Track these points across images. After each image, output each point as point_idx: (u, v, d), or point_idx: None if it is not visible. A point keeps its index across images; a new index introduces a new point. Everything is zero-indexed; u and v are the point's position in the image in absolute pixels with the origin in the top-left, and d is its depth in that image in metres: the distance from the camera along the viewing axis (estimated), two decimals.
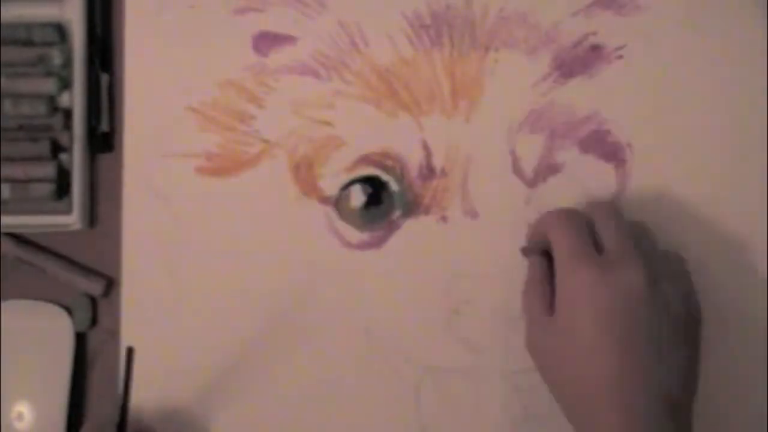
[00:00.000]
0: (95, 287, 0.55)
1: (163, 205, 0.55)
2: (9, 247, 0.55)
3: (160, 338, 0.54)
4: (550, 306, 0.50)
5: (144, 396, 0.54)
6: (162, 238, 0.55)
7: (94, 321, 0.55)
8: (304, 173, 0.55)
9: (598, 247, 0.49)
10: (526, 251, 0.53)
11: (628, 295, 0.47)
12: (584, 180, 0.55)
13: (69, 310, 0.55)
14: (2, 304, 0.55)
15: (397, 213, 0.55)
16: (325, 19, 0.55)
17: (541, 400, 0.53)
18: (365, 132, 0.55)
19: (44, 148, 0.54)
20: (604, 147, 0.55)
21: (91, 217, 0.56)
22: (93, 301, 0.55)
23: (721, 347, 0.54)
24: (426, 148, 0.55)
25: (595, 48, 0.55)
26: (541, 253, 0.52)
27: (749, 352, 0.55)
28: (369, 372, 0.54)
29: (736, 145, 0.55)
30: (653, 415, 0.46)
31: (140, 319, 0.55)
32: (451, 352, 0.54)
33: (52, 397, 0.54)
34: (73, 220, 0.54)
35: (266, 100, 0.55)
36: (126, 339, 0.54)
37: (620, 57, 0.55)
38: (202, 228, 0.55)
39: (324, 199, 0.55)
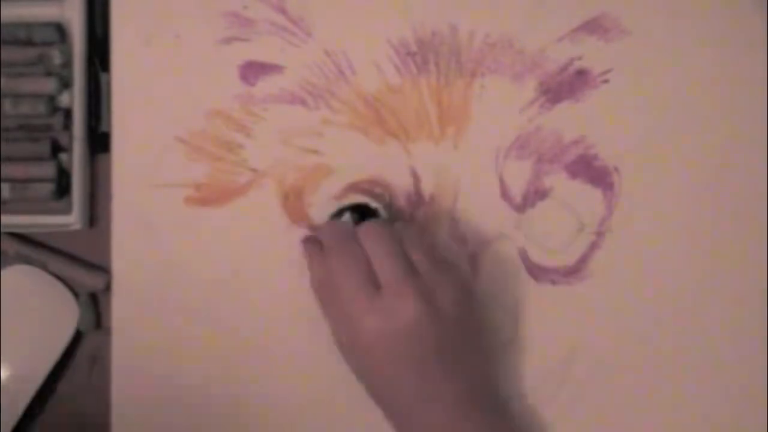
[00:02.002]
0: (97, 282, 0.55)
1: (152, 236, 0.55)
2: (9, 244, 0.55)
3: (151, 372, 0.54)
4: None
5: None
6: (151, 268, 0.55)
7: (98, 323, 0.56)
8: (293, 202, 0.55)
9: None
10: (305, 250, 0.53)
11: (408, 330, 0.48)
12: (572, 204, 0.55)
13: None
14: (11, 268, 0.55)
15: None
16: (312, 48, 0.55)
17: (532, 424, 0.53)
18: (354, 160, 0.55)
19: (44, 148, 0.55)
20: (591, 171, 0.55)
21: (91, 217, 0.56)
22: (95, 302, 0.56)
23: (721, 348, 0.54)
24: (414, 174, 0.55)
25: (581, 73, 0.55)
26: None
27: (749, 354, 0.55)
28: (359, 399, 0.54)
29: (726, 167, 0.55)
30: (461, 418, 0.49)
31: (131, 350, 0.54)
32: None
33: (35, 363, 0.55)
34: (72, 220, 0.55)
35: (254, 130, 0.55)
36: (117, 374, 0.54)
37: (606, 81, 0.55)
38: (191, 258, 0.55)
39: (313, 228, 0.55)
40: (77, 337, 0.55)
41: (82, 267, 0.55)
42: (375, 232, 0.51)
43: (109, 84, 0.55)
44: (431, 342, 0.49)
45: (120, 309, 0.55)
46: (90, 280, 0.55)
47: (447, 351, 0.49)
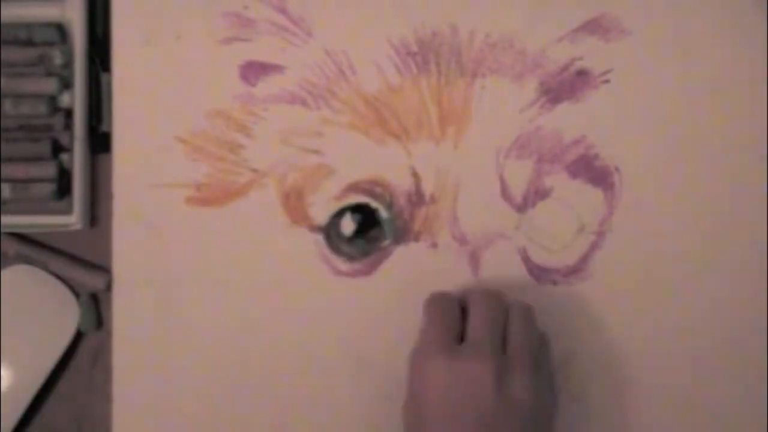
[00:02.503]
0: (98, 282, 0.55)
1: (152, 236, 0.55)
2: (10, 244, 0.55)
3: (151, 372, 0.54)
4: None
5: None
6: (152, 268, 0.55)
7: (99, 323, 0.56)
8: (294, 202, 0.55)
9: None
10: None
11: (471, 385, 0.48)
12: (573, 204, 0.55)
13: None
14: (12, 268, 0.55)
15: (387, 240, 0.55)
16: (312, 48, 0.55)
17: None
18: (354, 160, 0.55)
19: (45, 148, 0.55)
20: (592, 171, 0.55)
21: (92, 217, 0.56)
22: (96, 302, 0.56)
23: (721, 348, 0.55)
24: (415, 174, 0.55)
25: (582, 73, 0.55)
26: None
27: (750, 354, 0.55)
28: (360, 400, 0.54)
29: (726, 167, 0.55)
30: None
31: (131, 351, 0.54)
32: None
33: (35, 363, 0.55)
34: (73, 220, 0.55)
35: (255, 130, 0.55)
36: (118, 373, 0.54)
37: (607, 81, 0.55)
38: (192, 258, 0.55)
39: (314, 228, 0.55)
40: (78, 337, 0.55)
41: (83, 267, 0.55)
42: (484, 298, 0.51)
43: (109, 84, 0.55)
44: (488, 411, 0.48)
45: (120, 309, 0.55)
46: (90, 280, 0.55)
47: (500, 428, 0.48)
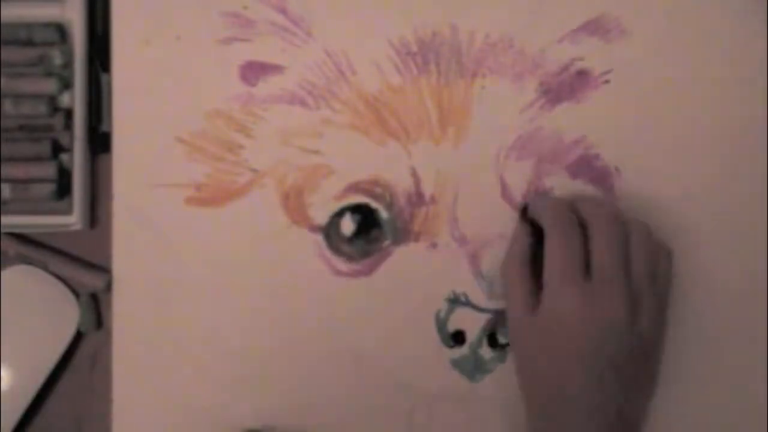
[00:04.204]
0: (98, 282, 0.55)
1: (152, 236, 0.55)
2: (9, 244, 0.55)
3: (151, 372, 0.54)
4: (533, 301, 0.50)
5: None
6: (152, 268, 0.55)
7: (99, 323, 0.56)
8: (294, 202, 0.55)
9: (589, 257, 0.50)
10: (523, 215, 0.53)
11: (606, 325, 0.49)
12: None
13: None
14: (12, 268, 0.55)
15: (387, 240, 0.55)
16: (312, 48, 0.55)
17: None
18: (354, 160, 0.55)
19: (45, 148, 0.55)
20: (592, 171, 0.55)
21: (92, 217, 0.56)
22: (96, 302, 0.56)
23: (721, 348, 0.55)
24: (415, 175, 0.55)
25: (582, 73, 0.55)
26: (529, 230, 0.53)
27: (749, 353, 0.55)
28: (360, 400, 0.54)
29: (727, 167, 0.55)
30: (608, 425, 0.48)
31: (131, 351, 0.54)
32: (443, 380, 0.54)
33: (35, 363, 0.55)
34: (73, 220, 0.55)
35: (254, 130, 0.55)
36: (118, 373, 0.54)
37: (607, 82, 0.55)
38: (192, 258, 0.55)
39: (314, 228, 0.55)
40: (77, 337, 0.55)
41: (83, 267, 0.55)
42: (606, 220, 0.50)
43: (109, 84, 0.55)
44: (618, 353, 0.48)
45: (120, 309, 0.55)
46: (90, 280, 0.55)
47: (627, 369, 0.49)
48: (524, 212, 0.54)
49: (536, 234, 0.52)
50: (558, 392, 0.49)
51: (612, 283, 0.49)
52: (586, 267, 0.50)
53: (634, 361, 0.49)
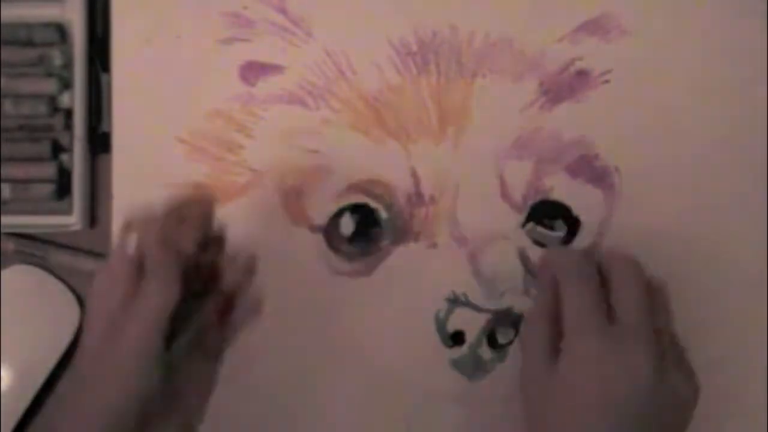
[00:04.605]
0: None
1: None
2: (8, 244, 0.55)
3: None
4: (553, 351, 0.46)
5: None
6: None
7: None
8: (293, 202, 0.55)
9: (610, 311, 0.46)
10: (539, 280, 0.50)
11: (633, 377, 0.44)
12: (573, 204, 0.55)
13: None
14: (12, 268, 0.55)
15: (386, 240, 0.55)
16: (312, 48, 0.55)
17: None
18: (354, 160, 0.55)
19: (45, 148, 0.55)
20: (592, 171, 0.55)
21: (92, 217, 0.56)
22: None
23: (721, 348, 0.55)
24: (414, 175, 0.55)
25: (582, 73, 0.55)
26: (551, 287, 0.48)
27: (749, 353, 0.55)
28: (360, 400, 0.54)
29: (727, 167, 0.55)
30: None
31: None
32: (443, 380, 0.54)
33: (35, 363, 0.55)
34: (73, 220, 0.55)
35: (254, 130, 0.55)
36: None
37: (606, 81, 0.55)
38: None
39: (313, 228, 0.55)
40: (78, 337, 0.55)
41: (83, 253, 0.55)
42: (632, 272, 0.46)
43: (109, 84, 0.55)
44: (643, 412, 0.44)
45: None
46: (93, 265, 0.55)
47: (652, 429, 0.44)
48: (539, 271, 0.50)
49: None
50: None
51: (638, 330, 0.44)
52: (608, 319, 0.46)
53: (663, 419, 0.44)
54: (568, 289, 0.46)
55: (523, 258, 0.54)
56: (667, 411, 0.45)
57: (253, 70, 0.55)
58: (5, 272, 0.55)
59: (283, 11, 0.55)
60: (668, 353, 0.45)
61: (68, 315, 0.55)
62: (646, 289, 0.46)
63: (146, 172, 0.55)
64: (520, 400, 0.48)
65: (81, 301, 0.56)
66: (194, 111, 0.55)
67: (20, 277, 0.55)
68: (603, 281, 0.46)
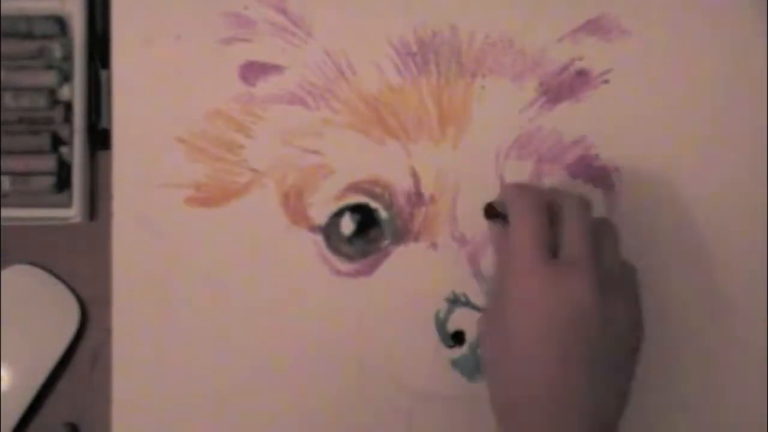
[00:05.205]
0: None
1: (152, 236, 0.55)
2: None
3: (151, 372, 0.54)
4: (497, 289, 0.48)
5: None
6: (151, 268, 0.55)
7: None
8: (294, 202, 0.55)
9: (555, 243, 0.47)
10: (488, 213, 0.51)
11: (575, 309, 0.45)
12: None
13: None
14: (12, 268, 0.55)
15: (386, 240, 0.55)
16: (312, 48, 0.55)
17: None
18: (354, 160, 0.55)
19: (45, 141, 0.55)
20: (592, 171, 0.55)
21: (92, 210, 0.56)
22: None
23: (721, 347, 0.55)
24: (414, 174, 0.55)
25: (582, 73, 0.55)
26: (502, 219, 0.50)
27: (749, 352, 0.55)
28: (360, 400, 0.54)
29: (727, 167, 0.55)
30: None
31: (131, 351, 0.54)
32: (443, 380, 0.54)
33: (35, 363, 0.55)
34: (73, 213, 0.55)
35: (254, 130, 0.55)
36: (118, 373, 0.54)
37: (606, 81, 0.55)
38: (192, 258, 0.55)
39: (313, 228, 0.55)
40: (78, 337, 0.55)
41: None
42: (578, 206, 0.48)
43: (109, 80, 0.55)
44: (588, 341, 0.45)
45: (120, 309, 0.55)
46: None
47: (599, 361, 0.45)
48: (488, 211, 0.51)
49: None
50: (525, 381, 0.45)
51: (581, 265, 0.45)
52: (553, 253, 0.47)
53: (607, 353, 0.45)
54: (514, 221, 0.47)
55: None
56: (605, 345, 0.45)
57: (253, 70, 0.55)
58: (5, 272, 0.55)
59: (283, 11, 0.55)
60: (614, 286, 0.46)
61: (68, 315, 0.55)
62: (590, 226, 0.47)
63: (146, 172, 0.55)
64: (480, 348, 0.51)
65: (81, 302, 0.56)
66: (194, 111, 0.55)
67: (20, 277, 0.55)
68: (553, 217, 0.48)
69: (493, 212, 0.51)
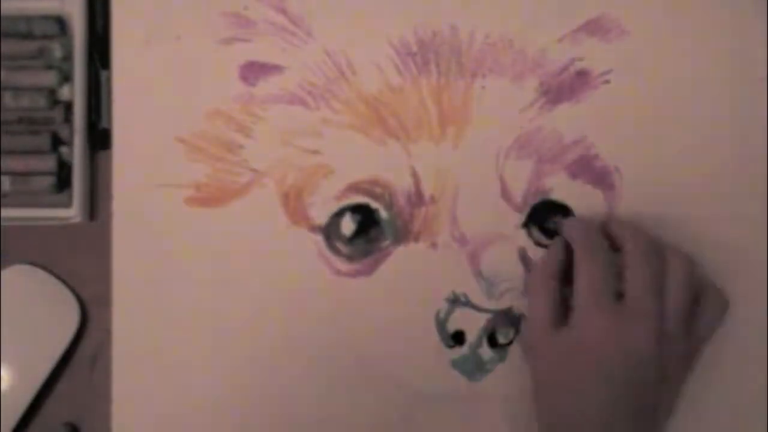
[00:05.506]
0: None
1: (152, 236, 0.55)
2: None
3: (151, 372, 0.54)
4: (558, 317, 0.50)
5: None
6: (151, 268, 0.55)
7: None
8: (294, 202, 0.55)
9: (619, 285, 0.49)
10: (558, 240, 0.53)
11: (634, 355, 0.48)
12: (573, 205, 0.55)
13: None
14: (12, 268, 0.55)
15: (386, 240, 0.55)
16: (312, 48, 0.55)
17: (537, 427, 0.53)
18: (354, 160, 0.55)
19: (44, 140, 0.55)
20: (592, 172, 0.55)
21: (92, 210, 0.56)
22: None
23: (721, 348, 0.54)
24: (414, 175, 0.55)
25: (582, 73, 0.55)
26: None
27: (749, 352, 0.55)
28: (360, 400, 0.54)
29: (727, 167, 0.55)
30: None
31: (131, 351, 0.54)
32: (443, 380, 0.54)
33: (35, 363, 0.55)
34: (73, 213, 0.55)
35: (254, 130, 0.55)
36: (118, 373, 0.54)
37: (607, 82, 0.55)
38: (192, 258, 0.55)
39: (313, 228, 0.55)
40: (78, 337, 0.55)
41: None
42: (643, 249, 0.49)
43: (108, 81, 0.55)
44: (640, 382, 0.48)
45: (120, 309, 0.55)
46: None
47: (647, 401, 0.48)
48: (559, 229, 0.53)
49: (569, 255, 0.52)
50: (574, 410, 0.48)
51: (644, 314, 0.48)
52: (619, 295, 0.49)
53: (654, 395, 0.48)
54: (581, 263, 0.50)
55: (524, 258, 0.54)
56: (658, 390, 0.48)
57: (253, 70, 0.55)
58: (5, 272, 0.55)
59: (283, 11, 0.55)
60: (674, 338, 0.48)
61: (68, 315, 0.55)
62: (656, 270, 0.49)
63: (146, 172, 0.55)
64: (523, 354, 0.53)
65: (81, 302, 0.56)
66: (194, 111, 0.55)
67: (20, 277, 0.55)
68: (614, 248, 0.50)
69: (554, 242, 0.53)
